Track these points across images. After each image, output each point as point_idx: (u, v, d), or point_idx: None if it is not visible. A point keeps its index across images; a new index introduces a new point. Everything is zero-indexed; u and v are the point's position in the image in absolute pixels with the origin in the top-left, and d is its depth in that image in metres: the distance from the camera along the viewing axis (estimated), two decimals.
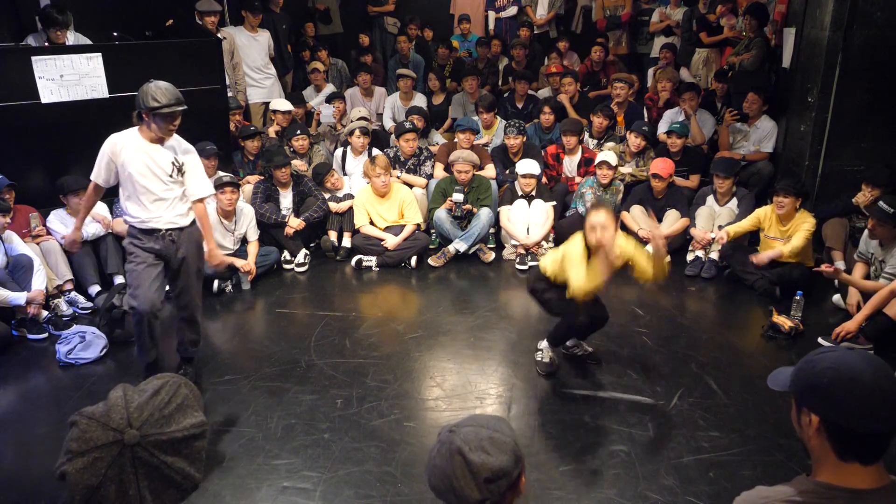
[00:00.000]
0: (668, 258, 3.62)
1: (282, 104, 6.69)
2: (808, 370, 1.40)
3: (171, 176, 3.51)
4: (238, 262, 5.14)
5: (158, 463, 1.28)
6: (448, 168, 6.00)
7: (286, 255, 5.60)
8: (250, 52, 6.99)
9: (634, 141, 6.06)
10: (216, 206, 5.14)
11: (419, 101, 7.38)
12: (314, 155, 6.39)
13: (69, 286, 4.88)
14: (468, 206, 5.65)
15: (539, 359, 3.92)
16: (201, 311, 3.91)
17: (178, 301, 3.80)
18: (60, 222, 4.99)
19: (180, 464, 1.31)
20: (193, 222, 3.69)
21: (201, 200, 3.68)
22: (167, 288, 3.76)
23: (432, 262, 5.57)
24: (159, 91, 3.33)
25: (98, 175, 3.53)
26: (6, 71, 4.69)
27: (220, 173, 5.43)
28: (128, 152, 3.43)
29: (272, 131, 6.64)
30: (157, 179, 3.48)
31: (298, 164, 6.12)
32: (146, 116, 3.37)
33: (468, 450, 1.41)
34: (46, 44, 5.26)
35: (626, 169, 6.07)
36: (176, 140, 3.55)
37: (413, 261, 5.57)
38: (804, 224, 4.80)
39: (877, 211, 4.25)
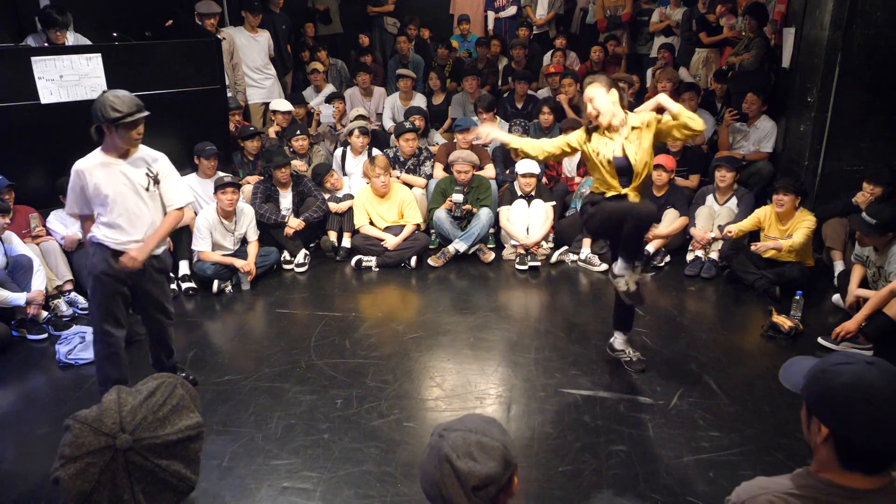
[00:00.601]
0: (681, 112, 3.37)
1: (281, 104, 6.69)
2: (825, 382, 1.38)
3: (147, 189, 3.33)
4: (238, 263, 5.14)
5: (152, 467, 1.27)
6: (448, 168, 6.00)
7: (286, 255, 5.60)
8: (250, 52, 6.99)
9: None
10: (216, 206, 5.14)
11: (419, 101, 7.39)
12: (314, 155, 6.39)
13: (69, 286, 4.87)
14: (468, 207, 5.65)
15: (618, 276, 3.56)
16: (172, 330, 3.71)
17: (144, 324, 3.65)
18: (60, 223, 4.98)
19: (175, 466, 1.31)
20: (167, 250, 3.54)
21: (181, 209, 3.48)
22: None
23: (432, 262, 5.57)
24: (118, 100, 3.10)
25: (72, 208, 3.39)
26: (6, 71, 4.69)
27: (220, 174, 5.43)
28: (100, 175, 3.23)
29: (272, 131, 6.64)
30: (136, 197, 3.30)
31: (298, 165, 6.12)
32: (108, 129, 3.15)
33: (455, 457, 1.39)
34: (46, 44, 5.26)
35: None
36: (142, 150, 3.35)
37: (413, 261, 5.57)
38: (804, 222, 4.80)
39: (859, 223, 4.28)
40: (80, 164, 3.26)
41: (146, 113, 3.19)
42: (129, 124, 3.14)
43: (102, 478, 1.22)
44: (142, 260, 3.31)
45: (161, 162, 3.41)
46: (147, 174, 3.33)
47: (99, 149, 3.26)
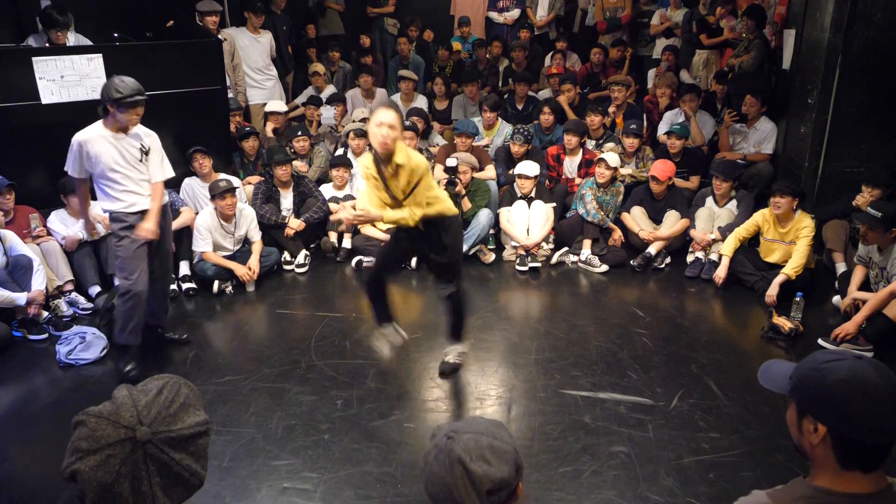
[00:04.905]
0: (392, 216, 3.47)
1: (277, 106, 6.72)
2: (818, 380, 1.37)
3: (140, 160, 3.87)
4: (238, 271, 5.12)
5: (168, 460, 1.28)
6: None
7: (286, 255, 5.60)
8: (252, 52, 6.99)
9: (627, 142, 6.11)
10: (215, 209, 5.13)
11: (420, 102, 7.39)
12: (315, 156, 6.40)
13: (69, 287, 4.87)
14: (461, 188, 5.56)
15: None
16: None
17: (154, 274, 4.05)
18: (61, 223, 4.98)
19: (188, 461, 1.32)
20: (165, 204, 4.07)
21: (159, 183, 3.99)
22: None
23: None
24: (121, 84, 3.66)
25: (72, 167, 3.83)
26: (7, 72, 4.69)
27: (221, 175, 5.42)
28: (97, 145, 3.74)
29: (269, 130, 6.65)
30: (129, 166, 3.83)
31: (299, 165, 6.12)
32: (111, 108, 3.68)
33: (469, 459, 1.36)
34: (47, 44, 5.27)
35: (626, 170, 6.09)
36: (139, 128, 3.89)
37: (413, 262, 5.56)
38: (804, 230, 4.77)
39: (866, 217, 4.26)
40: (80, 136, 3.75)
41: (145, 97, 3.73)
42: (129, 104, 3.68)
43: (123, 469, 1.23)
44: (155, 229, 3.88)
45: (152, 138, 3.96)
46: (140, 148, 3.87)
47: (100, 122, 3.78)
